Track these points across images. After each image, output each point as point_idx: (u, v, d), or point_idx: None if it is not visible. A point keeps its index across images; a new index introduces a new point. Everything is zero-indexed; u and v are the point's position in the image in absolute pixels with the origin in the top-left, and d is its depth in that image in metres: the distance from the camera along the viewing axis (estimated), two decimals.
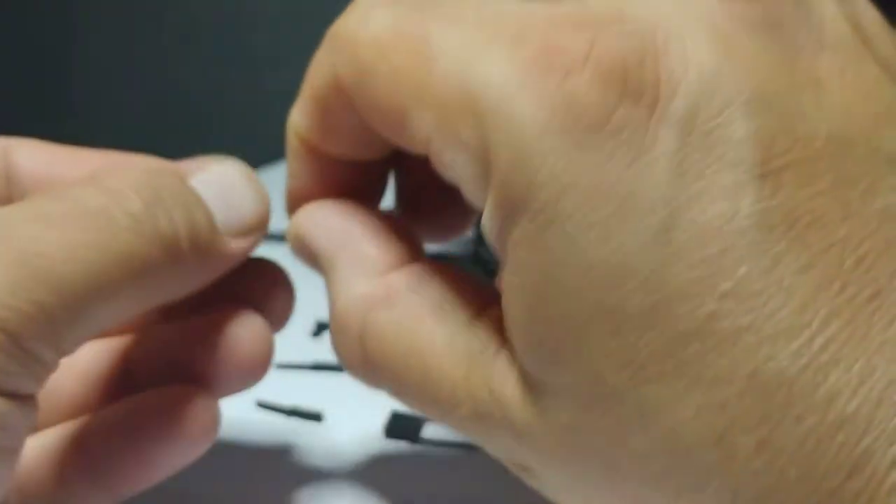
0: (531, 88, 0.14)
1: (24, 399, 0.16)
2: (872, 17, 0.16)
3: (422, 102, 0.16)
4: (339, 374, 0.31)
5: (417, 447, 0.26)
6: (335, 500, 0.24)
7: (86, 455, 0.20)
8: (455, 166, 0.16)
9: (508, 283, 0.15)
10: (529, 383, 0.15)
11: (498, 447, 0.17)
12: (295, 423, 0.27)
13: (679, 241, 0.13)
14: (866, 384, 0.12)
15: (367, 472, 0.25)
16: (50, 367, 0.17)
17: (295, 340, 0.33)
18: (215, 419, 0.20)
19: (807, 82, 0.14)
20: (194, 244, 0.19)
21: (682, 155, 0.13)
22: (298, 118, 0.20)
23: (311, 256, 0.20)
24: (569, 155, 0.14)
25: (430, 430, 0.27)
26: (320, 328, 0.34)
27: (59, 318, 0.16)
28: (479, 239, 0.38)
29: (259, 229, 0.20)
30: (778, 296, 0.13)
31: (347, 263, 0.19)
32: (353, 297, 0.19)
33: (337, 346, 0.19)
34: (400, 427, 0.27)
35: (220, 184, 0.20)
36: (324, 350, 0.32)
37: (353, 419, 0.27)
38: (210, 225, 0.19)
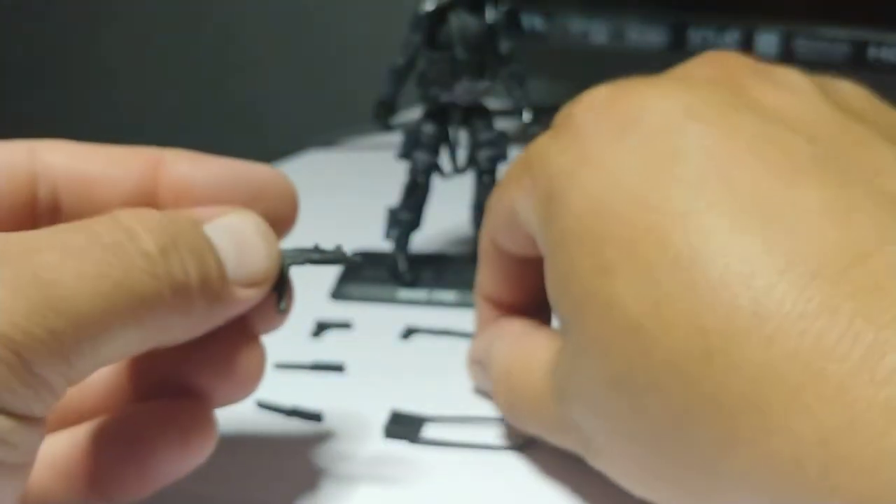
0: (552, 141, 0.22)
1: (32, 421, 0.16)
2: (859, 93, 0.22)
3: (513, 189, 0.24)
4: (339, 374, 0.31)
5: (417, 447, 0.26)
6: (335, 500, 0.24)
7: (88, 462, 0.21)
8: (524, 211, 0.23)
9: (547, 263, 0.21)
10: (561, 332, 0.21)
11: (563, 421, 0.22)
12: (295, 423, 0.27)
13: (610, 201, 0.19)
14: None
15: (367, 472, 0.25)
16: (58, 394, 0.17)
17: (295, 340, 0.33)
18: (213, 431, 0.21)
19: (745, 102, 0.20)
20: (204, 291, 0.19)
21: (638, 142, 0.20)
22: (483, 283, 0.27)
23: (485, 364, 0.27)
24: (567, 172, 0.21)
25: (430, 431, 0.27)
26: (320, 328, 0.34)
27: (70, 347, 0.16)
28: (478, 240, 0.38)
29: (267, 282, 0.21)
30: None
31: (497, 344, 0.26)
32: (498, 358, 0.25)
33: (497, 405, 0.26)
34: (400, 427, 0.27)
35: (233, 233, 0.20)
36: (324, 350, 0.33)
37: (353, 419, 0.27)
38: (220, 273, 0.20)
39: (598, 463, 0.21)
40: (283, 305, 0.22)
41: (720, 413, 0.16)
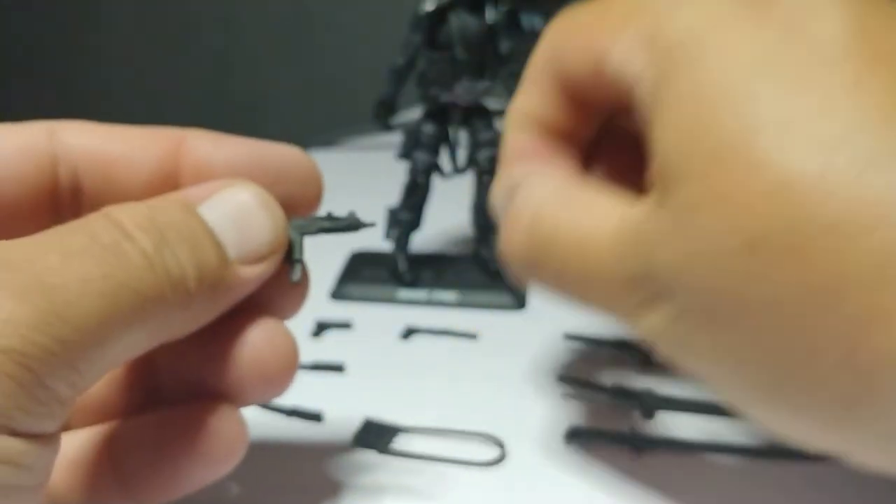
0: None
1: (45, 438, 0.16)
2: None
3: (607, 37, 0.21)
4: (339, 374, 0.31)
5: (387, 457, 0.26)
6: (335, 501, 0.24)
7: (115, 464, 0.20)
8: (621, 63, 0.20)
9: (660, 118, 0.19)
10: (664, 185, 0.19)
11: (637, 275, 0.19)
12: (295, 423, 0.27)
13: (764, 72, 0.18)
14: None
15: (368, 472, 0.25)
16: (68, 406, 0.16)
17: None
18: (243, 438, 0.20)
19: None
20: (202, 282, 0.19)
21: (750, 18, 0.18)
22: (528, 102, 0.24)
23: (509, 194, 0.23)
24: (702, 29, 0.19)
25: (401, 442, 0.27)
26: (320, 328, 0.34)
27: (77, 354, 0.16)
28: (480, 239, 0.38)
29: (275, 254, 0.20)
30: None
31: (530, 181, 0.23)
32: (527, 197, 0.22)
33: (505, 244, 0.23)
34: (370, 436, 0.26)
35: (232, 210, 0.20)
36: (324, 350, 0.33)
37: (353, 419, 0.27)
38: (219, 259, 0.19)
39: (687, 337, 0.19)
40: (294, 276, 0.21)
41: (877, 284, 0.16)
